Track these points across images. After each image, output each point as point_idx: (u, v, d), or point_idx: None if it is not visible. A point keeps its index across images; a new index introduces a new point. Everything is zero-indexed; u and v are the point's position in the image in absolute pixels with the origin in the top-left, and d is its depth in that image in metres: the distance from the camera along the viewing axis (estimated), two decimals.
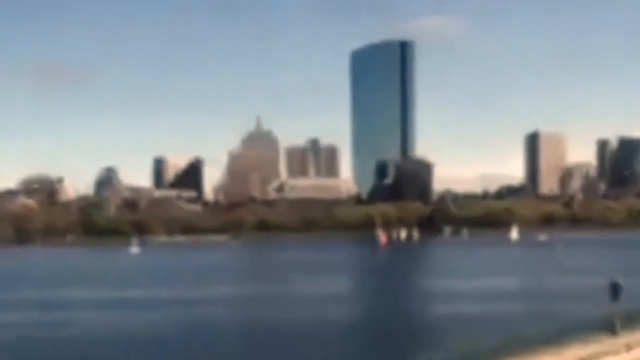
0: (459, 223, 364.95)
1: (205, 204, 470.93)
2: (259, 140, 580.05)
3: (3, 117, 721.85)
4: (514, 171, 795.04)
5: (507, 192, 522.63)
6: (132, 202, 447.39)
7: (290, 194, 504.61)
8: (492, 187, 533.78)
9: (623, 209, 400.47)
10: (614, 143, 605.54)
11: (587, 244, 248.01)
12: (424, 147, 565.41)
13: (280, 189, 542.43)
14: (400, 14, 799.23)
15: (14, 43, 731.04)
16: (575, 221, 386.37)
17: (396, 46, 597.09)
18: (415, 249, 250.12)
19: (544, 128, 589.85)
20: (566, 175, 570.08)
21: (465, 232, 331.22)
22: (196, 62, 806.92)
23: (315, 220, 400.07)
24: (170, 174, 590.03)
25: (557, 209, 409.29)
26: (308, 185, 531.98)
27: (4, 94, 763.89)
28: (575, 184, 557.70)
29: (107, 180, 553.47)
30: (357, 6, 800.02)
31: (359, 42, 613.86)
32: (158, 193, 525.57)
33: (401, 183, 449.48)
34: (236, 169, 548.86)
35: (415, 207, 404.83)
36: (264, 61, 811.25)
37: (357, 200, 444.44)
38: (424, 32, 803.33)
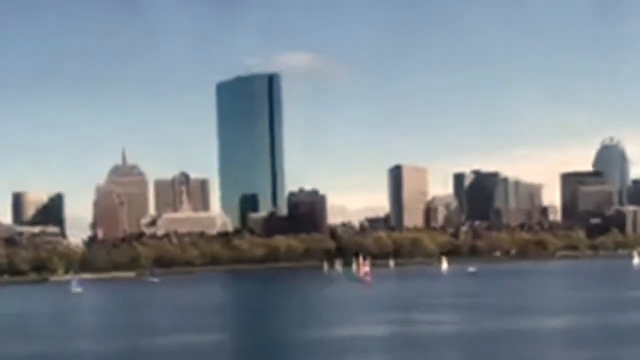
0: (366, 254, 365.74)
1: (91, 239, 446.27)
2: (126, 174, 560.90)
3: None
4: (379, 203, 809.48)
5: (374, 223, 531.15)
6: (10, 238, 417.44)
7: (163, 229, 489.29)
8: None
9: (514, 240, 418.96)
10: (469, 177, 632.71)
11: (521, 275, 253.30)
12: (292, 180, 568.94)
13: (152, 223, 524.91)
14: (267, 48, 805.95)
15: None
16: (473, 252, 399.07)
17: (264, 79, 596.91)
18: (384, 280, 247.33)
19: (406, 162, 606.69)
20: (430, 208, 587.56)
21: (391, 263, 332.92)
22: (57, 93, 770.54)
23: (218, 254, 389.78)
24: (29, 209, 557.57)
25: (451, 240, 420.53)
26: (182, 218, 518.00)
27: None
28: (440, 216, 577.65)
29: None
30: (222, 38, 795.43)
31: (225, 75, 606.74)
32: (20, 229, 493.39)
33: (296, 215, 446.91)
34: (104, 204, 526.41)
35: (319, 239, 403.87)
36: (129, 94, 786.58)
37: (251, 232, 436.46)
38: (292, 67, 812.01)
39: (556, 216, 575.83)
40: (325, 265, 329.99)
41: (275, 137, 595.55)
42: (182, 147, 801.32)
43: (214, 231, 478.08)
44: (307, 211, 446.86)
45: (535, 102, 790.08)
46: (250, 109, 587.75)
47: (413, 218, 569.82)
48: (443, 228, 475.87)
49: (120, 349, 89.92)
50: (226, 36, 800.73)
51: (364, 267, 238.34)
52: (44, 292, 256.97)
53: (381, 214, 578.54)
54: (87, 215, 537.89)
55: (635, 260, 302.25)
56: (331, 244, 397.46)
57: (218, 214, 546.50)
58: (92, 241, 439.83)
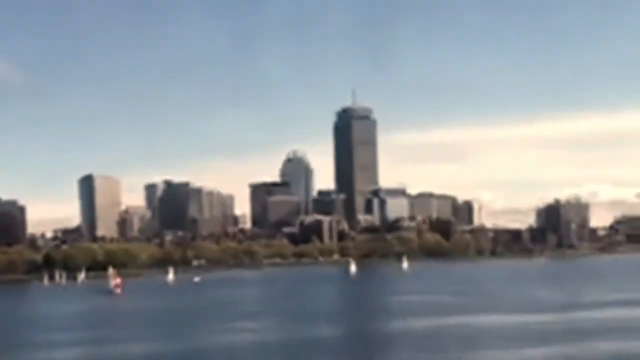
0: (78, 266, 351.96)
1: None
2: None
3: None
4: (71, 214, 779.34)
5: (67, 234, 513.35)
6: None
7: None
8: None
9: (224, 249, 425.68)
10: (160, 187, 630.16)
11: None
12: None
13: None
14: None
15: None
16: (184, 262, 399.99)
17: None
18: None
19: (98, 172, 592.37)
20: (124, 218, 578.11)
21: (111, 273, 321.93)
22: None
23: None
24: None
25: (159, 251, 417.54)
26: None
27: None
28: (135, 226, 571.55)
29: None
30: None
31: None
32: None
33: None
34: None
35: (22, 251, 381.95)
36: None
37: None
38: None
39: (246, 225, 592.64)
40: (46, 278, 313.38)
41: None
42: None
43: None
44: (6, 222, 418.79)
45: (223, 117, 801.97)
46: None
47: (107, 228, 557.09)
48: (148, 239, 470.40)
49: None
50: None
51: (115, 279, 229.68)
52: None
53: (69, 225, 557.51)
54: None
55: (352, 268, 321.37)
56: (37, 256, 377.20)
57: None
58: None
